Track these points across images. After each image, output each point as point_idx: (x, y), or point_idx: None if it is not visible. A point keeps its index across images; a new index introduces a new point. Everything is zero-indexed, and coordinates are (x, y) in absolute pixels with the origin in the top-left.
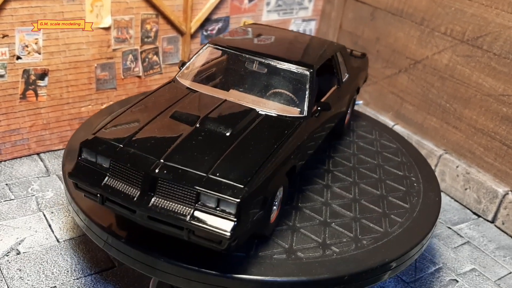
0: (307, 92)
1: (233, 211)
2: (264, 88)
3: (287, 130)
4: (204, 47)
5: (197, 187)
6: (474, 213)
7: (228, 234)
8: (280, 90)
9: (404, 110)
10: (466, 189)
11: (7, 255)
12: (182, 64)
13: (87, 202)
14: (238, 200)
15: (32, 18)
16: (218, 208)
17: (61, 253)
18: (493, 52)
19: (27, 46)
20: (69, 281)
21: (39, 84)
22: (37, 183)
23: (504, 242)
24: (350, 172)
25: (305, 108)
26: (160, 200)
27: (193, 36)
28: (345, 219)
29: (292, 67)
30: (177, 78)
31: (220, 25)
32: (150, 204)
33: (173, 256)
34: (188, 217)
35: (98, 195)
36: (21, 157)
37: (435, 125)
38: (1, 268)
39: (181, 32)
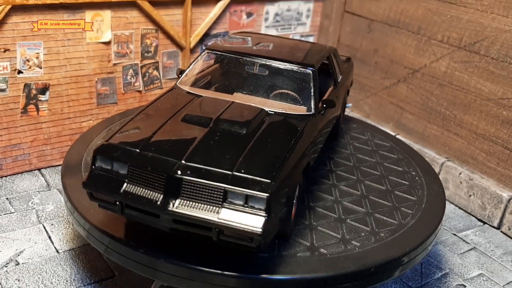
0: (312, 91)
1: (262, 206)
2: (269, 90)
3: (299, 127)
4: (202, 53)
5: (224, 185)
6: (479, 220)
7: (260, 230)
8: (284, 91)
9: (405, 120)
10: (470, 195)
11: (5, 266)
12: (181, 72)
13: (88, 210)
14: (268, 195)
15: (33, 33)
16: (246, 205)
17: (60, 264)
18: (491, 56)
19: (28, 60)
20: None
21: (40, 98)
22: (38, 196)
23: (511, 247)
24: (352, 171)
25: (312, 105)
26: (185, 201)
27: (192, 50)
28: (358, 215)
29: (294, 67)
30: (178, 85)
31: (219, 40)
32: (175, 207)
33: (176, 257)
34: (217, 216)
35: (117, 203)
36: (22, 172)
37: (436, 133)
38: (0, 279)
39: (180, 47)
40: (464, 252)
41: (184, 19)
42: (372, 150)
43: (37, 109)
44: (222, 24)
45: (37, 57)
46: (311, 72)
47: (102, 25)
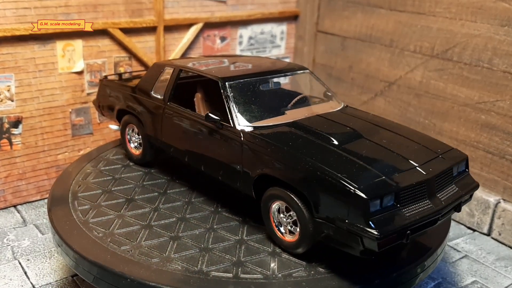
0: (326, 86)
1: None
2: (300, 99)
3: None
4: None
5: (451, 164)
6: (469, 228)
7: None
8: (311, 95)
9: None
10: None
11: None
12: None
13: (77, 241)
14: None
15: (3, 66)
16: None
17: None
18: (464, 62)
19: None
20: None
21: (13, 132)
22: (13, 233)
23: (503, 253)
24: None
25: (337, 99)
26: (443, 193)
27: None
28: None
29: (297, 74)
30: (253, 125)
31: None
32: (443, 201)
33: (166, 284)
34: (466, 187)
35: (408, 232)
36: None
37: None
38: None
39: None
40: (456, 261)
41: (157, 46)
42: None
43: (10, 143)
44: (197, 49)
45: (8, 90)
46: (309, 71)
47: (74, 54)
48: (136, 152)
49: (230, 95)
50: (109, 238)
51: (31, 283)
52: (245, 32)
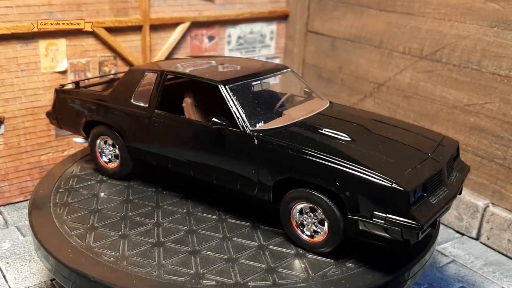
0: (306, 84)
1: None
2: (290, 98)
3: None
4: (226, 92)
5: (452, 151)
6: (457, 232)
7: None
8: (297, 93)
9: None
10: None
11: None
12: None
13: (55, 246)
14: None
15: None
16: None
17: None
18: (453, 63)
19: None
20: None
21: None
22: None
23: (491, 258)
24: None
25: (318, 95)
26: (451, 178)
27: None
28: None
29: (281, 73)
30: (260, 128)
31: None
32: (453, 186)
33: None
34: (463, 171)
35: (437, 219)
36: None
37: None
38: None
39: None
40: (443, 266)
41: (143, 45)
42: None
43: None
44: (184, 49)
45: None
46: (290, 69)
47: (57, 54)
48: (111, 165)
49: (234, 98)
50: (124, 262)
51: (9, 286)
52: (234, 32)
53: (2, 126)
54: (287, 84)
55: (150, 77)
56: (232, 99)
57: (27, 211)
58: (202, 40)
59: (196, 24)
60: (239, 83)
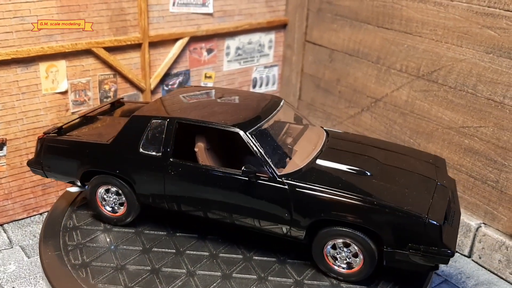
0: (298, 111)
1: None
2: (289, 126)
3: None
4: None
5: (446, 171)
6: None
7: None
8: (294, 123)
9: None
10: None
11: None
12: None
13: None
14: None
15: None
16: None
17: None
18: (449, 85)
19: None
20: None
21: None
22: (0, 256)
23: (483, 277)
24: None
25: (310, 122)
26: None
27: (153, 91)
28: None
29: (281, 107)
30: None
31: (180, 78)
32: (456, 205)
33: None
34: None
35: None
36: None
37: None
38: None
39: (141, 89)
40: (435, 286)
41: (143, 62)
42: None
43: None
44: (183, 63)
45: None
46: (284, 100)
47: (58, 75)
48: (115, 214)
49: (257, 144)
50: None
51: None
52: (232, 43)
53: (5, 148)
54: (283, 116)
55: (158, 125)
56: (256, 145)
57: (30, 228)
58: (201, 53)
59: (195, 38)
60: (256, 126)
